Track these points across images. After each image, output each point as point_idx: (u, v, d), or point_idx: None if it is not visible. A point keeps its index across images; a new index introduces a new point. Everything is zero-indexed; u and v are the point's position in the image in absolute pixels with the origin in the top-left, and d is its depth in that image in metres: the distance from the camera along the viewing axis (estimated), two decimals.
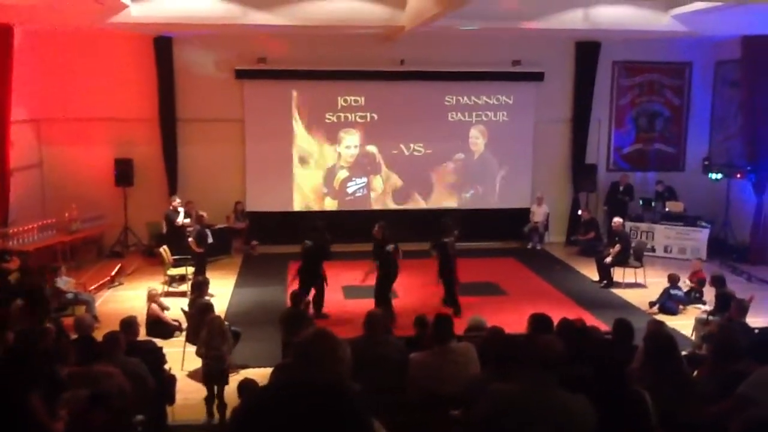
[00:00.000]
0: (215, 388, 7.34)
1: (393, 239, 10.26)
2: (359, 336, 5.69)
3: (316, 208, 15.22)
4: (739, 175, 14.46)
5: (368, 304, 9.85)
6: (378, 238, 10.25)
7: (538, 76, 15.29)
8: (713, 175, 14.98)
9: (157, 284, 11.67)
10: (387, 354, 5.56)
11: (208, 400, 7.33)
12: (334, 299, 11.17)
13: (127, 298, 11.41)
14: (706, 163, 15.56)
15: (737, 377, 4.85)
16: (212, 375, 7.36)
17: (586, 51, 15.35)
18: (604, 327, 7.80)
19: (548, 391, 3.42)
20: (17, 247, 11.58)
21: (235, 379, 7.05)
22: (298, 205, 15.23)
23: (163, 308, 9.71)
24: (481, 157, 15.71)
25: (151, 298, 9.65)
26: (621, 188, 15.25)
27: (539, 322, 5.78)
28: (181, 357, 8.40)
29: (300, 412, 1.40)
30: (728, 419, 4.46)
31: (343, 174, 15.34)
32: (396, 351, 5.71)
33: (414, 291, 11.71)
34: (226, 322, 8.96)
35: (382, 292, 10.14)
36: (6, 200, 12.19)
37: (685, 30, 12.96)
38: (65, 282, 10.32)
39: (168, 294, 11.37)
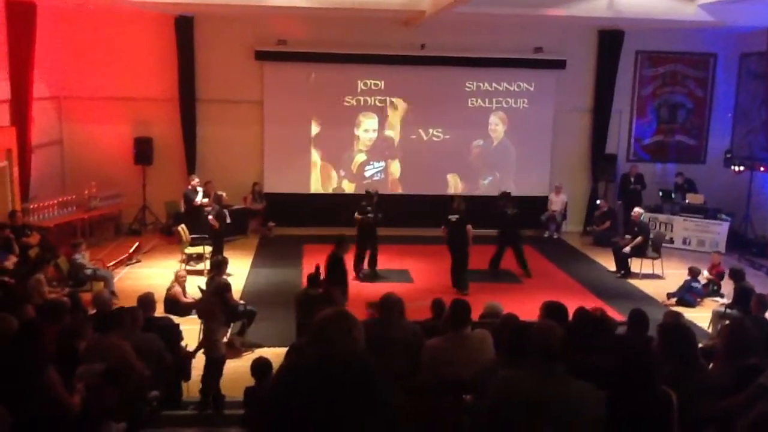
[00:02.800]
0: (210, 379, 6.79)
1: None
2: (374, 318, 5.71)
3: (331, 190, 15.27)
4: (762, 169, 14.28)
5: (382, 286, 9.89)
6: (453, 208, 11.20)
7: (559, 64, 15.15)
8: (735, 167, 14.78)
9: (174, 262, 11.81)
10: (401, 337, 5.56)
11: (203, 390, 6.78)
12: (349, 282, 11.20)
13: (144, 276, 11.52)
14: (728, 155, 15.38)
15: (752, 371, 4.81)
16: (207, 364, 6.87)
17: (609, 40, 15.17)
18: (620, 317, 7.77)
19: (554, 378, 3.41)
20: (37, 223, 11.73)
21: (248, 357, 7.10)
22: (315, 188, 15.26)
23: (185, 293, 9.80)
24: (501, 144, 15.63)
25: (178, 279, 9.79)
26: (632, 179, 15.12)
27: (551, 309, 5.75)
28: (197, 334, 8.45)
29: (329, 395, 1.39)
30: (744, 411, 4.43)
31: (361, 157, 15.34)
32: (410, 334, 5.71)
33: (428, 275, 11.72)
34: (241, 301, 9.06)
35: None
36: (27, 176, 12.32)
37: (711, 20, 12.78)
38: (82, 257, 10.43)
39: (186, 272, 11.45)
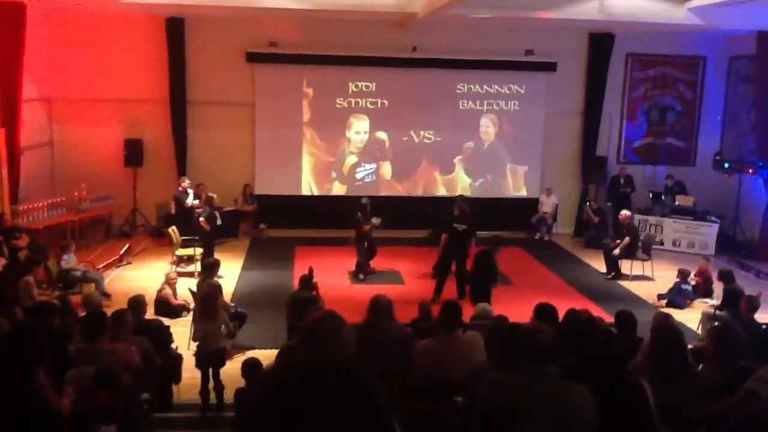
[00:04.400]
0: (210, 371, 6.98)
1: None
2: (363, 321, 5.71)
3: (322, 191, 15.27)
4: (750, 171, 14.37)
5: (374, 289, 9.88)
6: (457, 215, 10.61)
7: (550, 67, 15.20)
8: (726, 165, 14.88)
9: (165, 264, 11.77)
10: (391, 339, 5.57)
11: (202, 391, 6.93)
12: (341, 284, 11.20)
13: (134, 278, 11.48)
14: (718, 158, 15.47)
15: (742, 373, 4.84)
16: (202, 357, 7.07)
17: (600, 42, 15.23)
18: (611, 319, 7.79)
19: (546, 381, 3.41)
20: (27, 225, 11.66)
21: (239, 360, 7.09)
22: (306, 189, 15.25)
23: (176, 295, 9.79)
24: (491, 146, 15.66)
25: (168, 281, 9.78)
26: (621, 181, 15.19)
27: (543, 312, 5.77)
28: (187, 337, 8.45)
29: (316, 397, 1.39)
30: (733, 414, 4.46)
31: (352, 159, 15.33)
32: (400, 336, 5.73)
33: (419, 277, 11.72)
34: (232, 304, 9.05)
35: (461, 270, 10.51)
36: (17, 178, 12.25)
37: (701, 23, 12.85)
38: (68, 259, 10.37)
39: (177, 274, 11.42)
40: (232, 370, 7.30)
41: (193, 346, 8.32)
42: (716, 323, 8.11)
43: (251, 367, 5.74)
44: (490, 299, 8.59)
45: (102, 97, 14.21)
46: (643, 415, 3.98)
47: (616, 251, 12.21)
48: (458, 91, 15.30)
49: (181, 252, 11.98)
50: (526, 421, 3.34)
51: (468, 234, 10.57)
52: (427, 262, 11.94)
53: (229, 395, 6.77)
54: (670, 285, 11.05)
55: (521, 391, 3.40)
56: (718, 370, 5.04)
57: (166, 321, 8.26)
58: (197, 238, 11.84)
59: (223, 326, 7.56)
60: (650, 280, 12.07)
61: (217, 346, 7.21)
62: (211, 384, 7.08)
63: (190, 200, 12.76)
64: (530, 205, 15.42)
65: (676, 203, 14.62)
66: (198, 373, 7.19)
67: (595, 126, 15.58)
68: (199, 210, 12.25)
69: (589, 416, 3.38)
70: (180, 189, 12.88)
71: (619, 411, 3.82)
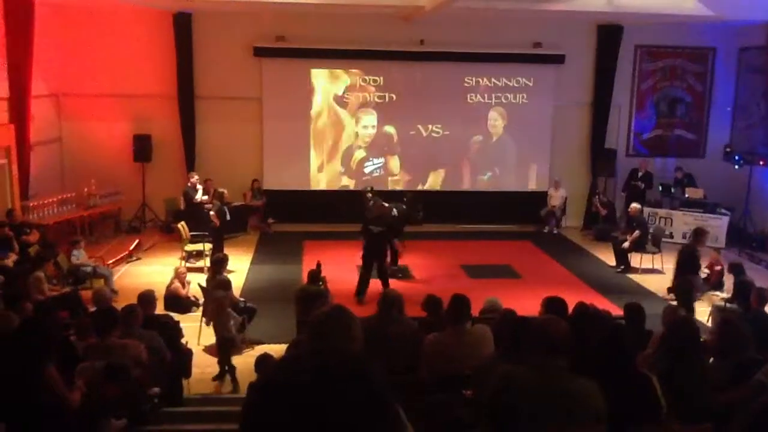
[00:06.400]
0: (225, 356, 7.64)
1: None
2: (373, 315, 5.72)
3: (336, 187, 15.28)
4: (761, 163, 14.27)
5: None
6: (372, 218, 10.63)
7: (559, 59, 15.12)
8: (737, 157, 14.75)
9: (174, 259, 11.81)
10: (400, 333, 5.58)
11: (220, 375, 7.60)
12: (351, 278, 11.20)
13: (144, 273, 11.52)
14: (728, 150, 15.37)
15: (750, 365, 4.82)
16: (219, 344, 7.69)
17: (609, 34, 15.14)
18: (620, 312, 7.77)
19: (555, 374, 3.39)
20: (37, 221, 11.72)
21: (251, 354, 7.13)
22: (314, 184, 15.26)
23: (185, 287, 9.82)
24: (500, 139, 15.62)
25: (178, 275, 9.83)
26: (640, 174, 15.10)
27: (552, 305, 5.76)
28: (197, 331, 8.48)
29: (321, 389, 1.39)
30: (742, 406, 4.45)
31: (360, 154, 15.33)
32: (409, 331, 5.73)
33: (429, 271, 11.71)
34: (241, 298, 9.08)
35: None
36: (26, 174, 12.30)
37: (710, 14, 12.77)
38: (78, 255, 10.41)
39: (186, 270, 11.45)
40: (242, 364, 7.35)
41: (203, 341, 8.40)
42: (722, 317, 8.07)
43: (264, 361, 5.76)
44: (694, 293, 8.53)
45: (110, 93, 14.25)
46: (650, 407, 3.98)
47: (626, 244, 12.16)
48: (466, 85, 15.25)
49: (190, 247, 12.01)
50: (534, 414, 3.33)
51: (384, 235, 10.47)
52: (435, 256, 11.96)
53: (241, 390, 6.81)
54: None
55: (530, 384, 3.39)
56: (726, 364, 5.03)
57: (175, 316, 8.29)
58: (206, 233, 11.87)
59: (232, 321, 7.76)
60: (660, 273, 12.02)
61: (224, 335, 7.71)
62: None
63: (199, 196, 12.80)
64: (539, 198, 15.38)
65: (686, 195, 14.54)
66: (208, 368, 7.27)
67: (604, 119, 15.50)
68: (208, 205, 12.29)
69: (598, 409, 3.37)
70: (189, 184, 12.91)
71: (627, 403, 3.82)
